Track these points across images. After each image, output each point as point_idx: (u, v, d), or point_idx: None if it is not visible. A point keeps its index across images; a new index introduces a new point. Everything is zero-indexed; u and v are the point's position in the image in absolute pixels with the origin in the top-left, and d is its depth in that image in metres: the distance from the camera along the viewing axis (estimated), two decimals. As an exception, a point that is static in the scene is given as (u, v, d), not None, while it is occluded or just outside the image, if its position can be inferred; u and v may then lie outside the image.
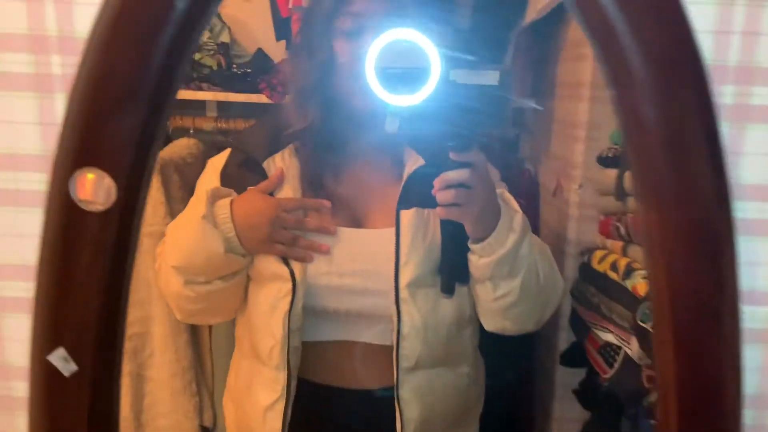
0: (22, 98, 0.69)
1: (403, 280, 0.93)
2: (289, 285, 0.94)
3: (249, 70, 1.62)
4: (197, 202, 0.97)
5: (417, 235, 0.94)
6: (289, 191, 0.98)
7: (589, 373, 1.32)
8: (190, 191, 1.63)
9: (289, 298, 0.94)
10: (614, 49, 0.48)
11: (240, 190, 0.99)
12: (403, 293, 0.93)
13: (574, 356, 1.35)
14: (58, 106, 0.69)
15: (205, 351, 1.61)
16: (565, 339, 1.37)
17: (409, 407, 0.94)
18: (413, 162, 0.98)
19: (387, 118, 0.78)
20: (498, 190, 0.94)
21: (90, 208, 0.45)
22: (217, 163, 1.04)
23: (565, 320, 1.36)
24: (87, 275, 0.46)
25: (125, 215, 0.45)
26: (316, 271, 0.96)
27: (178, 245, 0.97)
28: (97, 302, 0.46)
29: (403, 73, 0.70)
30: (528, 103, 1.58)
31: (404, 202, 0.96)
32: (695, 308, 0.47)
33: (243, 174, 1.00)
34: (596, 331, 1.23)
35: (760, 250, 0.69)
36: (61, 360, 0.48)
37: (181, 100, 1.60)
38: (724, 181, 0.47)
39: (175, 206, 1.51)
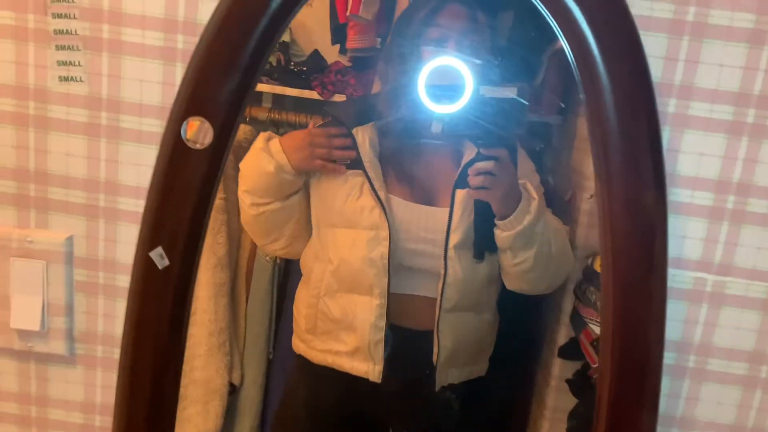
0: (152, 64, 0.91)
1: (452, 242, 1.14)
2: (386, 232, 1.16)
3: (304, 68, 1.78)
4: (258, 142, 1.24)
5: (466, 209, 1.15)
6: (366, 157, 1.19)
7: (583, 365, 1.46)
8: (241, 171, 1.81)
9: (388, 240, 1.16)
10: (590, 75, 0.64)
11: None
12: (451, 253, 1.14)
13: (572, 350, 1.48)
14: (177, 71, 0.90)
15: (240, 316, 1.76)
16: (564, 334, 1.50)
17: (445, 338, 1.18)
18: (469, 153, 1.19)
19: (433, 122, 0.99)
20: (521, 181, 1.15)
21: (193, 146, 0.62)
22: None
23: (566, 317, 1.49)
24: (184, 194, 0.63)
25: (217, 152, 0.63)
26: (403, 236, 1.17)
27: (245, 174, 1.23)
28: (188, 214, 0.64)
29: (445, 88, 0.89)
30: (553, 118, 1.72)
31: (460, 184, 1.18)
32: (631, 265, 0.62)
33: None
34: (591, 326, 1.37)
35: (688, 226, 0.87)
36: (158, 256, 0.65)
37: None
38: (660, 170, 0.62)
39: (228, 183, 1.68)
